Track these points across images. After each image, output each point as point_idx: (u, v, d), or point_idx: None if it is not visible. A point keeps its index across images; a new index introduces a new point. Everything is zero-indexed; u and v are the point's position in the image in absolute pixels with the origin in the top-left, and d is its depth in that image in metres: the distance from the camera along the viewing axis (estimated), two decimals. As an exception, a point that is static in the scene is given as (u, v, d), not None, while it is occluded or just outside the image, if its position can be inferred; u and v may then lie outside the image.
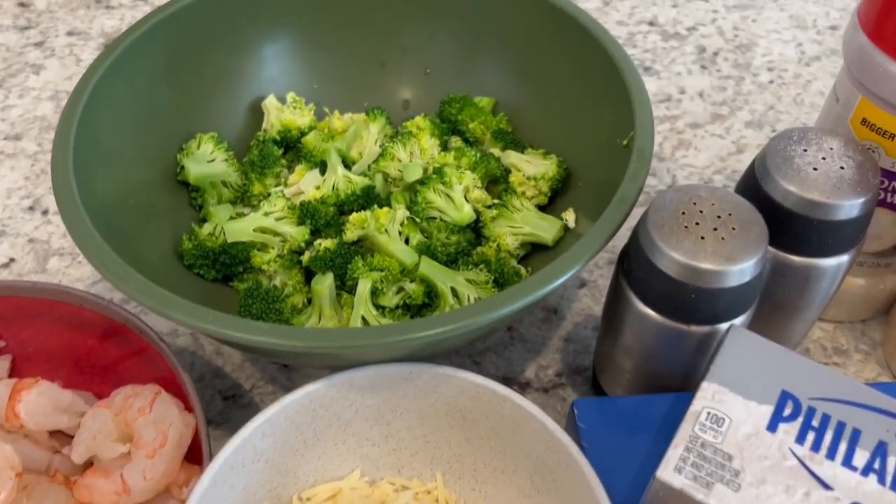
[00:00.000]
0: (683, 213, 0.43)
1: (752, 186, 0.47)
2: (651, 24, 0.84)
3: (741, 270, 0.42)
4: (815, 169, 0.46)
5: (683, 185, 0.45)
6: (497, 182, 0.60)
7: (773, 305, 0.50)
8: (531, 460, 0.45)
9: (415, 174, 0.57)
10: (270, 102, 0.64)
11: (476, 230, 0.58)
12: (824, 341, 0.59)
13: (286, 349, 0.41)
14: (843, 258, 0.48)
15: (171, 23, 0.59)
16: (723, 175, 0.70)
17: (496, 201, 0.58)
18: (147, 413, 0.46)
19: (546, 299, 0.61)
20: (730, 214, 0.43)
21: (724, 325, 0.44)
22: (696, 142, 0.73)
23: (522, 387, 0.56)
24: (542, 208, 0.59)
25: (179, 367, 0.48)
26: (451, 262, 0.56)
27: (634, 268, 0.45)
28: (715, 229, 0.43)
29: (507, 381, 0.56)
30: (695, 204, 0.44)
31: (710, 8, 0.86)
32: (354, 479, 0.47)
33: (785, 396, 0.40)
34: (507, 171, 0.60)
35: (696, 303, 0.43)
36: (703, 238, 0.42)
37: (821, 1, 0.87)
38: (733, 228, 0.43)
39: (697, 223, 0.43)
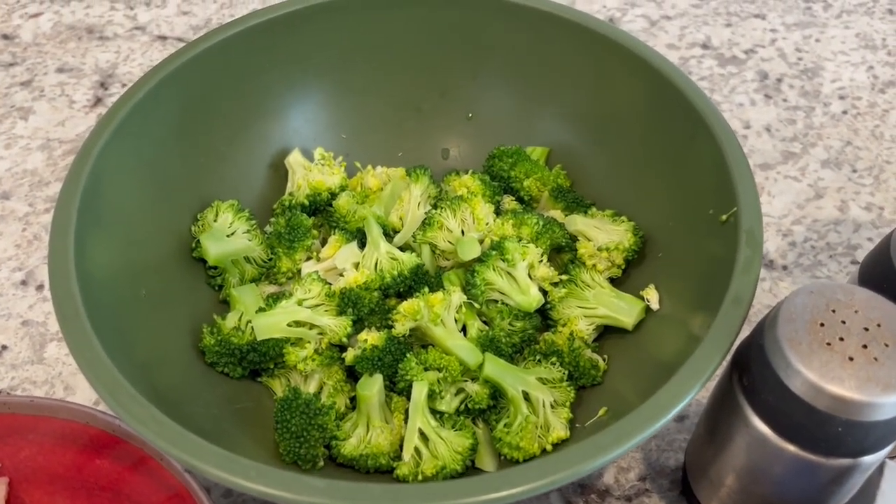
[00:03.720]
0: (822, 324, 0.36)
1: (888, 276, 0.40)
2: (705, 46, 0.76)
3: (903, 399, 0.34)
4: (970, 260, 0.38)
5: (815, 285, 0.37)
6: (561, 250, 0.52)
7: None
8: None
9: (472, 252, 0.49)
10: (295, 160, 0.56)
11: (541, 311, 0.50)
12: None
13: (348, 511, 0.33)
14: None
15: (179, 76, 0.51)
16: (803, 225, 0.62)
17: (563, 277, 0.50)
18: (173, 569, 0.39)
19: (619, 383, 0.54)
20: (879, 325, 0.36)
21: (869, 459, 0.37)
22: (769, 186, 0.65)
23: (601, 495, 0.49)
24: (614, 281, 0.51)
25: (203, 496, 0.41)
26: (517, 352, 0.48)
27: (760, 388, 0.37)
28: (864, 346, 0.35)
29: (582, 488, 0.49)
30: (834, 312, 0.36)
31: (768, 27, 0.78)
32: None
33: (968, 564, 0.33)
34: (573, 239, 0.52)
35: (841, 436, 0.35)
36: (851, 359, 0.35)
37: (888, 17, 0.79)
38: (886, 345, 0.35)
39: (842, 338, 0.35)
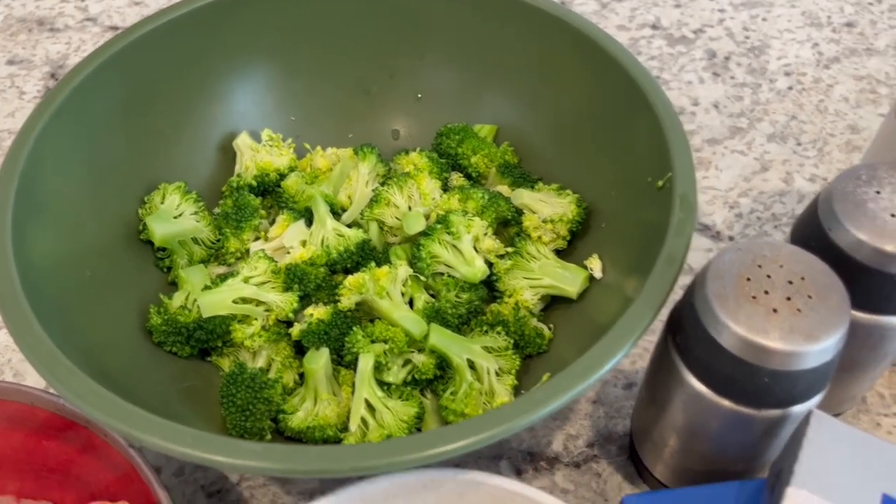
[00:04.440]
0: (748, 279, 0.37)
1: (816, 235, 0.41)
2: (654, 27, 0.77)
3: (823, 349, 0.35)
4: (893, 216, 0.39)
5: (743, 243, 0.38)
6: (507, 224, 0.53)
7: (840, 367, 0.44)
8: (579, 576, 0.38)
9: (417, 226, 0.49)
10: (243, 141, 0.56)
11: (488, 283, 0.50)
12: (881, 388, 0.53)
13: (283, 474, 0.34)
14: (922, 312, 0.41)
15: (121, 59, 0.51)
16: (749, 197, 0.63)
17: (509, 249, 0.51)
18: (117, 541, 0.39)
19: (568, 354, 0.55)
20: (802, 278, 0.37)
21: (798, 408, 0.38)
22: (717, 160, 0.66)
23: (550, 462, 0.49)
24: (559, 253, 0.52)
25: (151, 475, 0.41)
26: (463, 323, 0.49)
27: (692, 345, 0.38)
28: (788, 298, 0.36)
29: (532, 456, 0.49)
30: (760, 266, 0.37)
31: (716, 7, 0.79)
32: None
33: (888, 503, 0.34)
34: (519, 212, 0.53)
35: (769, 387, 0.36)
36: (775, 311, 0.36)
37: (833, -5, 0.80)
38: (809, 296, 0.36)
39: (766, 291, 0.36)
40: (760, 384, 0.36)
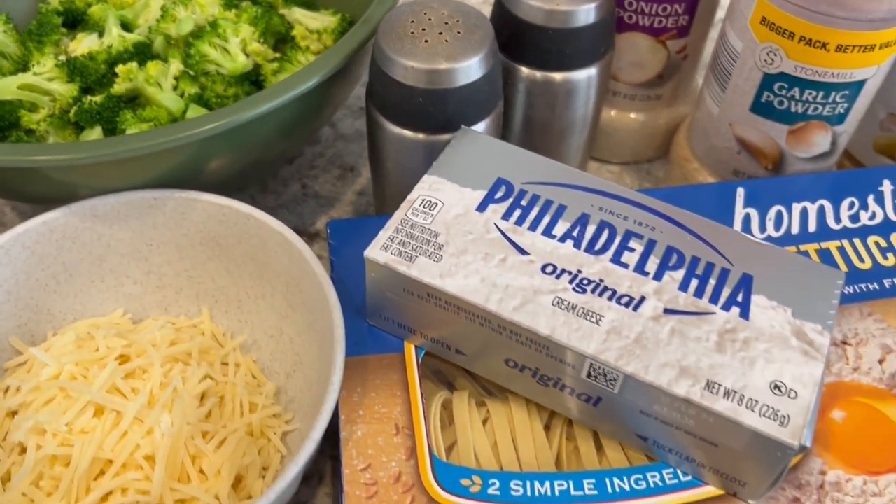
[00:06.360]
0: (413, 21, 0.44)
1: (499, 9, 0.48)
2: None
3: (466, 68, 0.42)
4: (548, -20, 0.46)
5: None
6: (285, 42, 0.60)
7: (536, 131, 0.51)
8: (282, 279, 0.45)
9: (186, 27, 0.56)
10: (55, -24, 0.62)
11: (259, 85, 0.57)
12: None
13: (13, 163, 0.40)
14: (591, 71, 0.49)
15: None
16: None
17: (279, 55, 0.57)
18: None
19: (343, 158, 0.62)
20: (458, 21, 0.44)
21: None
22: (508, 11, 0.73)
23: (311, 237, 0.57)
24: (329, 65, 0.59)
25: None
26: (231, 115, 0.55)
27: (376, 85, 0.45)
28: (440, 34, 0.43)
29: (298, 233, 0.57)
30: (425, 14, 0.44)
31: None
32: (117, 317, 0.47)
33: (500, 182, 0.41)
34: (292, 27, 0.60)
35: (426, 107, 0.44)
36: (426, 41, 0.43)
37: None
38: (459, 32, 0.43)
39: (424, 29, 0.44)
40: (421, 106, 0.44)
